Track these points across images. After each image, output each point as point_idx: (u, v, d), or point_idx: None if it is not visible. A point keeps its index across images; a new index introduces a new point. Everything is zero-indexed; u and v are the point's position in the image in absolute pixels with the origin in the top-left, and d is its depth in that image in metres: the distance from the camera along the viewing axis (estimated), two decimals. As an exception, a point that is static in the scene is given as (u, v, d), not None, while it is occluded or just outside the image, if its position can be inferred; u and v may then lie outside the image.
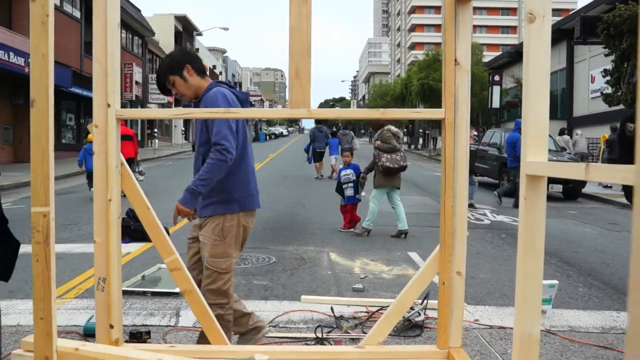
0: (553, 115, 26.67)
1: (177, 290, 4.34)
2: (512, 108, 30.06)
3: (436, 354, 2.46)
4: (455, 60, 2.27)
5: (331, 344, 3.48)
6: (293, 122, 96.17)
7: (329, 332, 3.70)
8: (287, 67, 2.35)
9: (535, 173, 1.48)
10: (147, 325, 3.84)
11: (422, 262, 5.48)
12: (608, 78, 16.42)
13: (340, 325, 3.83)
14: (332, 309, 4.05)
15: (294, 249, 6.59)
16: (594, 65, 23.28)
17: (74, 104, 24.76)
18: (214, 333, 2.55)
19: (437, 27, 75.98)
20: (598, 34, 15.83)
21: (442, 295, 2.43)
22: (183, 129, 44.40)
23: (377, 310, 4.05)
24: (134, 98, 30.53)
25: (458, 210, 2.36)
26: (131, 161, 11.06)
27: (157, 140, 33.79)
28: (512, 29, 74.88)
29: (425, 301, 3.91)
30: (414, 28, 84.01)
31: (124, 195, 2.46)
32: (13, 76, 17.69)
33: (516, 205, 9.56)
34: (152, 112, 2.68)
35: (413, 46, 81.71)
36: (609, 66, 16.25)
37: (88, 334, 3.52)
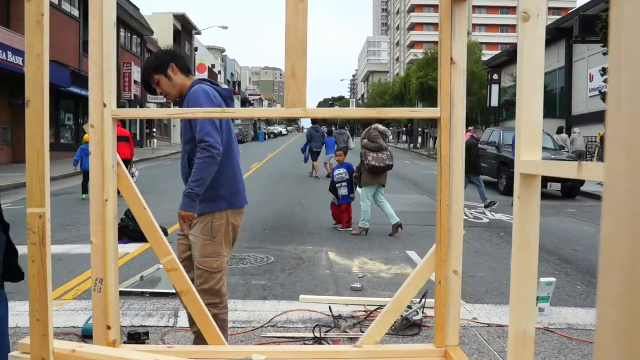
0: (552, 114, 26.68)
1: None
2: (511, 107, 30.06)
3: (433, 352, 2.46)
4: (452, 59, 2.27)
5: (329, 344, 3.48)
6: (292, 122, 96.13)
7: (327, 331, 3.70)
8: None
9: (530, 172, 1.48)
10: (145, 326, 3.84)
11: (420, 261, 5.49)
12: (607, 77, 16.40)
13: (339, 324, 3.83)
14: (330, 308, 4.05)
15: (293, 248, 6.59)
16: (592, 64, 23.29)
17: (72, 104, 24.74)
18: (211, 333, 2.56)
19: (436, 26, 75.24)
20: (597, 33, 15.83)
21: (439, 294, 2.43)
22: (182, 128, 44.27)
23: (375, 310, 4.06)
24: (132, 97, 30.51)
25: (454, 210, 2.36)
26: (127, 162, 11.02)
27: (156, 140, 33.77)
28: (512, 27, 74.88)
29: (423, 300, 3.91)
30: (413, 27, 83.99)
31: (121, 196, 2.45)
32: (11, 76, 17.66)
33: None
34: (148, 112, 2.67)
35: (412, 45, 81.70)
36: (608, 65, 16.23)
37: (86, 335, 3.52)
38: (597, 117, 22.16)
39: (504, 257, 6.28)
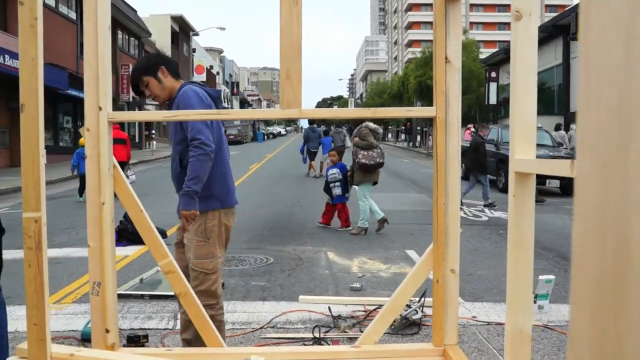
0: (550, 111, 26.69)
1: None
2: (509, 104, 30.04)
3: (432, 351, 2.47)
4: (446, 58, 2.27)
5: (329, 344, 3.48)
6: (291, 122, 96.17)
7: (326, 331, 3.71)
8: (281, 67, 2.34)
9: (523, 170, 1.48)
10: (145, 328, 3.84)
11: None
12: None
13: (338, 324, 3.83)
14: (329, 308, 4.05)
15: (292, 249, 6.59)
16: (590, 60, 23.24)
17: (70, 107, 24.74)
18: (210, 335, 2.56)
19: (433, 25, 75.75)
20: (594, 29, 15.81)
21: (437, 293, 2.43)
22: (181, 130, 44.22)
23: (374, 309, 4.06)
24: (130, 100, 30.49)
25: (450, 208, 2.36)
26: (123, 165, 11.01)
27: (154, 142, 33.75)
28: (509, 25, 74.11)
29: (422, 299, 3.91)
30: (410, 25, 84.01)
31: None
32: (9, 79, 17.66)
33: None
34: (143, 114, 2.67)
35: (410, 43, 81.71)
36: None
37: (85, 338, 3.52)
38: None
39: (503, 254, 6.28)
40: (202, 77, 45.92)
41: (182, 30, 43.68)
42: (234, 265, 5.72)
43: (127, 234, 6.57)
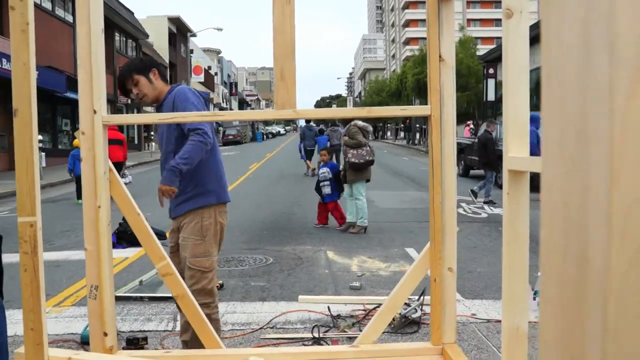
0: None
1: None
2: (508, 100, 30.02)
3: (430, 350, 2.46)
4: (440, 56, 2.27)
5: (328, 344, 3.48)
6: (290, 121, 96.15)
7: (325, 331, 3.70)
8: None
9: (517, 168, 1.48)
10: (144, 330, 3.84)
11: (419, 258, 5.49)
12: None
13: (338, 324, 3.83)
14: (328, 308, 4.05)
15: (291, 248, 6.59)
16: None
17: (69, 109, 24.71)
18: (208, 337, 2.55)
19: (431, 22, 75.61)
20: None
21: (434, 292, 2.43)
22: (180, 131, 44.19)
23: (374, 308, 4.05)
24: (129, 101, 30.48)
25: (447, 207, 2.36)
26: (120, 165, 11.00)
27: (153, 143, 33.76)
28: (506, 21, 74.63)
29: (421, 297, 3.91)
30: (408, 23, 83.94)
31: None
32: (6, 82, 17.64)
33: None
34: (138, 117, 2.67)
35: (407, 41, 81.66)
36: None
37: (85, 341, 3.51)
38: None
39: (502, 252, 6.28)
40: (200, 78, 45.92)
41: (179, 32, 43.65)
42: (233, 265, 5.72)
43: (126, 236, 6.57)
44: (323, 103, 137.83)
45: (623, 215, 0.32)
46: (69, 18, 24.15)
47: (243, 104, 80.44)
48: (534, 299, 4.14)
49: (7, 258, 3.69)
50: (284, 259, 6.01)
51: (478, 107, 30.84)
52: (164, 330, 3.86)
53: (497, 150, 13.37)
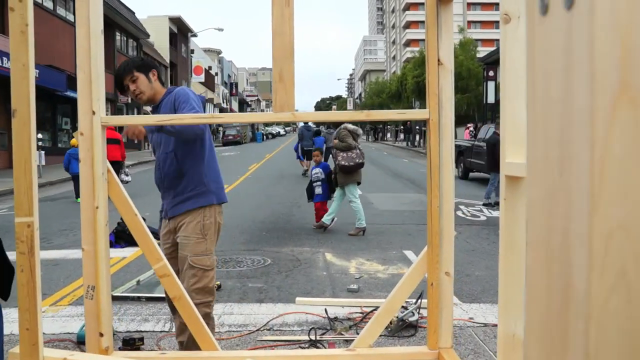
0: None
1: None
2: (508, 103, 30.01)
3: (427, 354, 2.46)
4: (439, 60, 2.27)
5: (325, 347, 3.48)
6: (290, 122, 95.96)
7: (322, 334, 3.70)
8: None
9: (514, 174, 1.48)
10: (141, 331, 3.84)
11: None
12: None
13: (335, 327, 3.83)
14: (326, 310, 4.04)
15: (290, 250, 6.58)
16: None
17: (69, 108, 24.70)
18: (205, 338, 2.55)
19: (432, 24, 75.67)
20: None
21: (431, 296, 2.43)
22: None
23: (371, 311, 4.05)
24: (129, 101, 30.48)
25: (445, 211, 2.36)
26: (118, 164, 10.98)
27: (153, 143, 33.70)
28: (507, 23, 74.61)
29: (419, 301, 3.90)
30: (408, 25, 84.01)
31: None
32: (7, 81, 17.62)
33: None
34: (136, 118, 2.68)
35: (408, 43, 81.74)
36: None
37: (81, 341, 3.51)
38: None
39: (500, 254, 6.28)
40: (201, 78, 45.91)
41: (180, 32, 43.66)
42: (231, 266, 5.72)
43: (124, 235, 6.57)
44: (323, 104, 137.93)
45: (604, 241, 0.32)
46: (70, 17, 24.14)
47: (243, 105, 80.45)
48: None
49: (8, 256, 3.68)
50: (282, 261, 6.01)
51: (478, 109, 30.85)
52: (161, 331, 3.85)
53: None
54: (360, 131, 8.04)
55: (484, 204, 10.35)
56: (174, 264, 2.89)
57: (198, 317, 2.53)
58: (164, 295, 4.55)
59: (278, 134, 70.87)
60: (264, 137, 56.82)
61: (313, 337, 3.54)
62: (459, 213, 9.23)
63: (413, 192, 12.68)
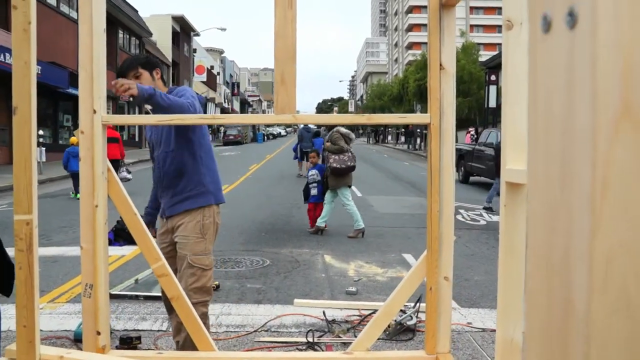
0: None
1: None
2: (510, 108, 29.98)
3: (424, 359, 2.46)
4: (441, 64, 2.26)
5: (322, 349, 3.47)
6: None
7: (320, 336, 3.70)
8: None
9: (515, 180, 1.47)
10: (138, 330, 3.83)
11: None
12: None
13: (332, 329, 3.82)
14: (324, 312, 4.04)
15: (289, 251, 6.58)
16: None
17: (70, 105, 24.70)
18: (202, 339, 2.55)
19: (434, 27, 75.73)
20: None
21: (430, 300, 2.43)
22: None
23: (369, 314, 4.04)
24: (130, 99, 30.46)
25: (444, 215, 2.35)
26: (117, 163, 10.98)
27: (154, 141, 33.71)
28: (510, 28, 74.60)
29: (417, 304, 3.90)
30: (411, 28, 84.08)
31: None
32: (9, 77, 17.60)
33: None
34: (137, 118, 2.68)
35: (410, 46, 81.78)
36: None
37: (78, 339, 3.51)
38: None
39: (499, 259, 6.27)
40: (203, 78, 45.94)
41: (183, 31, 43.69)
42: (230, 267, 5.72)
43: (123, 233, 6.56)
44: (324, 105, 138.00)
45: (605, 260, 0.31)
46: (74, 14, 24.16)
47: (245, 105, 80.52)
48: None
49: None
50: (281, 262, 6.01)
51: (479, 113, 30.84)
52: (158, 330, 3.85)
53: None
54: (352, 135, 8.07)
55: (485, 208, 10.34)
56: (172, 263, 2.89)
57: (196, 318, 2.53)
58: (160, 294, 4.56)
59: (279, 135, 70.91)
60: (265, 137, 56.82)
61: (311, 340, 3.53)
62: (459, 217, 9.23)
63: (413, 196, 12.68)
